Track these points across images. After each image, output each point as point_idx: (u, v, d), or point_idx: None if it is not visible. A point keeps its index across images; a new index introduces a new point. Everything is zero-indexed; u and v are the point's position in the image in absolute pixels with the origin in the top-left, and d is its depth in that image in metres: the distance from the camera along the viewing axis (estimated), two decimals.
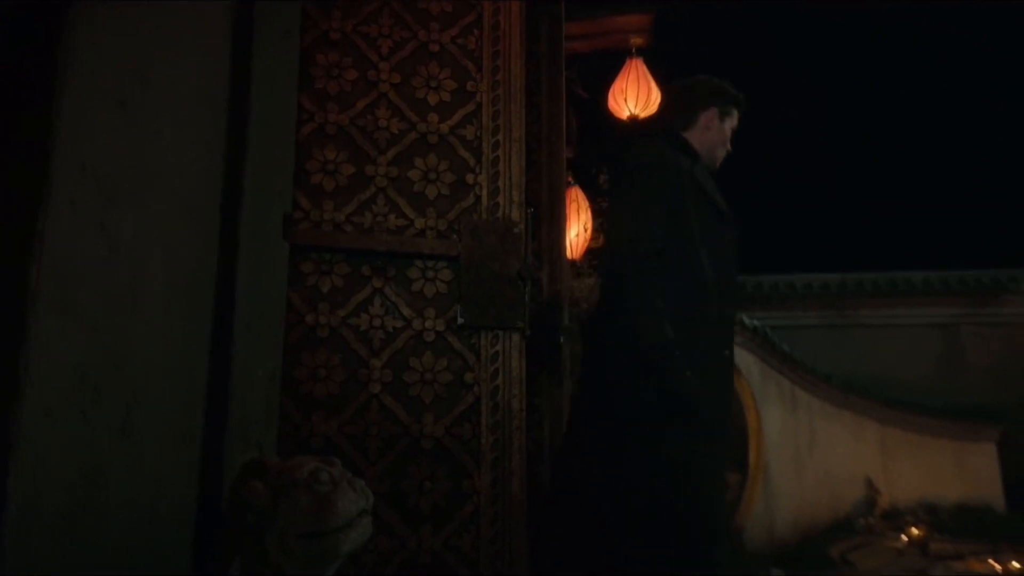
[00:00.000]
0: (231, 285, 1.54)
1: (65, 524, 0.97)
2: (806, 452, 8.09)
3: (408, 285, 2.05)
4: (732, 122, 2.38)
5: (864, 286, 9.26)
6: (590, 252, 5.15)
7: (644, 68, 4.43)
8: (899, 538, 7.41)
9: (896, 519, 7.93)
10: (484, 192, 2.14)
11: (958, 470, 7.80)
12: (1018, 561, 5.94)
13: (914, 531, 7.22)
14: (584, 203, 4.98)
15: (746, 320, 7.83)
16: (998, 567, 5.96)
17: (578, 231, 4.95)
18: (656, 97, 4.38)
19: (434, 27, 2.23)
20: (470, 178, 2.15)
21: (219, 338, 1.45)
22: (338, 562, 1.37)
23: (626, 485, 1.99)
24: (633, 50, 4.46)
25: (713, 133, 2.33)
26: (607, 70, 4.63)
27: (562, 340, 2.54)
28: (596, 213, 5.56)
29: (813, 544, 7.71)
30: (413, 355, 2.01)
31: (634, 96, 4.35)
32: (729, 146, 2.38)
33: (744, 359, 7.93)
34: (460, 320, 2.03)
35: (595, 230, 5.61)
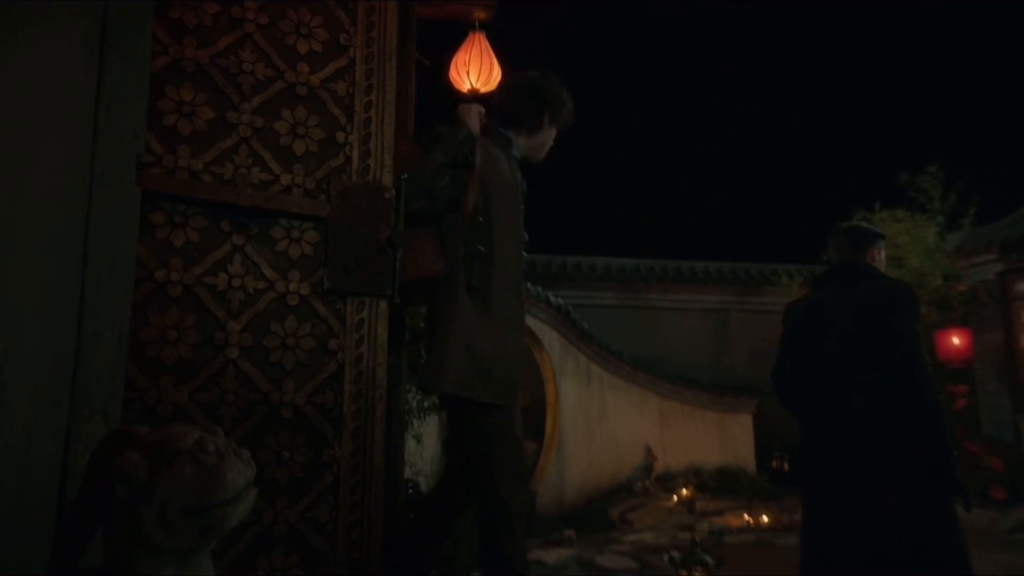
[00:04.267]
0: (86, 232, 1.35)
1: None
2: (596, 423, 8.70)
3: (271, 245, 1.92)
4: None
5: (654, 271, 10.13)
6: None
7: (487, 43, 4.45)
8: (671, 498, 8.26)
9: (669, 482, 8.82)
10: (355, 153, 2.05)
11: (720, 438, 8.84)
12: (767, 515, 6.92)
13: (683, 492, 8.09)
14: None
15: (551, 298, 8.23)
16: (750, 520, 6.90)
17: None
18: (497, 74, 4.43)
19: None
20: (340, 136, 2.05)
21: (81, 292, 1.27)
22: (218, 537, 1.27)
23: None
24: (476, 23, 4.46)
25: (880, 263, 2.82)
26: (449, 40, 4.60)
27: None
28: None
29: (597, 506, 8.35)
30: (275, 319, 1.89)
31: (476, 70, 4.36)
32: None
33: (547, 335, 8.35)
34: (326, 284, 1.95)
35: None
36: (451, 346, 1.97)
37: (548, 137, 2.39)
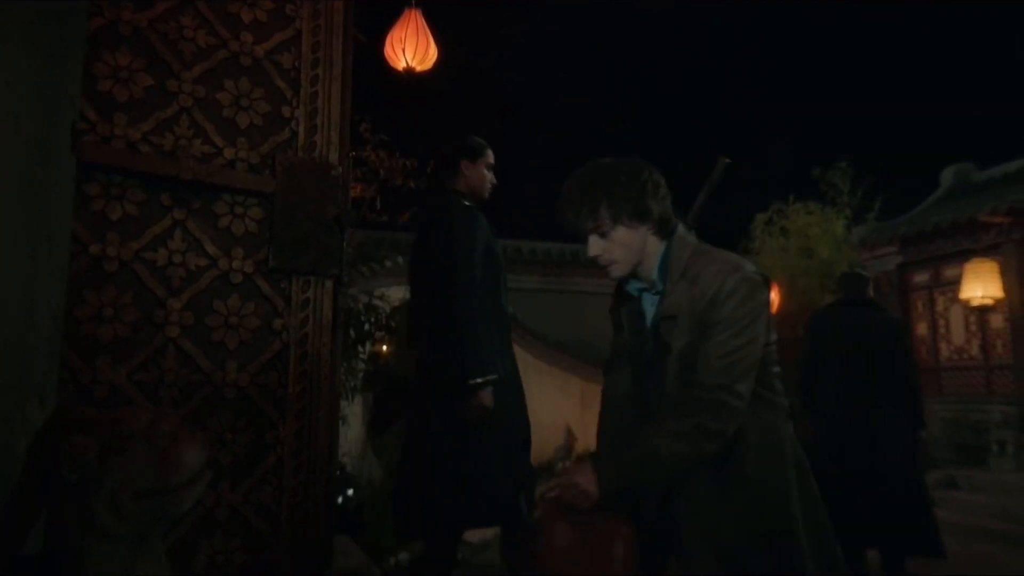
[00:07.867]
0: (24, 204, 1.27)
1: None
2: None
3: (214, 220, 1.85)
4: None
5: (579, 256, 10.26)
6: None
7: (423, 20, 4.39)
8: None
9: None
10: (301, 128, 2.00)
11: None
12: None
13: None
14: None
15: None
16: None
17: None
18: (433, 52, 4.38)
19: None
20: (286, 111, 1.99)
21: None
22: (171, 521, 1.24)
23: None
24: (412, 1, 4.40)
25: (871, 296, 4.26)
26: (384, 17, 4.51)
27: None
28: (355, 162, 5.43)
29: None
30: (218, 297, 1.83)
31: (412, 47, 4.29)
32: None
33: None
34: (271, 263, 1.90)
35: (353, 179, 5.47)
36: None
37: None
